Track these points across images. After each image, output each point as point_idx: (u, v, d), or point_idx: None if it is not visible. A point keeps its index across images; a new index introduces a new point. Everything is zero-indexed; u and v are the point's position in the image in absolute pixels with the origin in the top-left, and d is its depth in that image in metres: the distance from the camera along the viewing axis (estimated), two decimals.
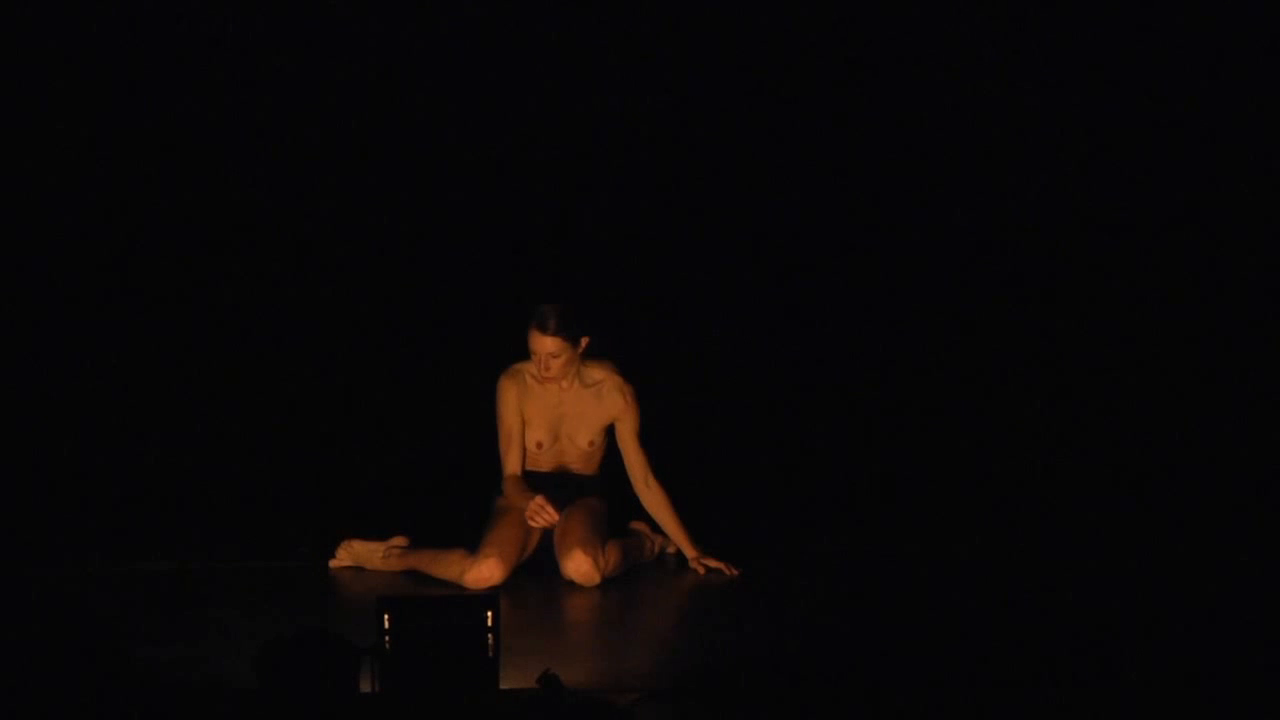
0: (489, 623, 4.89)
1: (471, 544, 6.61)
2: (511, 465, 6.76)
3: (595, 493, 6.82)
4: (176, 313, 7.72)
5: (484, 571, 6.52)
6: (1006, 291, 7.93)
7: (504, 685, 4.95)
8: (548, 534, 6.73)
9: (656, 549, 6.96)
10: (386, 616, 4.86)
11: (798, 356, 7.96)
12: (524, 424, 6.76)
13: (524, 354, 6.70)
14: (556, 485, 6.77)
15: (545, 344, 6.64)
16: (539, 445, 6.77)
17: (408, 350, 7.85)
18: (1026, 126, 7.83)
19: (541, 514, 6.54)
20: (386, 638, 4.84)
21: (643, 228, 7.90)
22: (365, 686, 4.85)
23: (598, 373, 6.78)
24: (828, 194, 7.91)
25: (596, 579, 6.58)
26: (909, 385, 7.94)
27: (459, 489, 7.22)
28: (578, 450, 6.80)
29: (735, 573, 6.72)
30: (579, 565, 6.57)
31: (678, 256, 7.94)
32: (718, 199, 7.92)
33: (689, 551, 6.78)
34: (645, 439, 6.79)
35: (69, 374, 7.63)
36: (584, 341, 6.69)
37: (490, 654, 4.89)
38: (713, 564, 6.74)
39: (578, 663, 5.45)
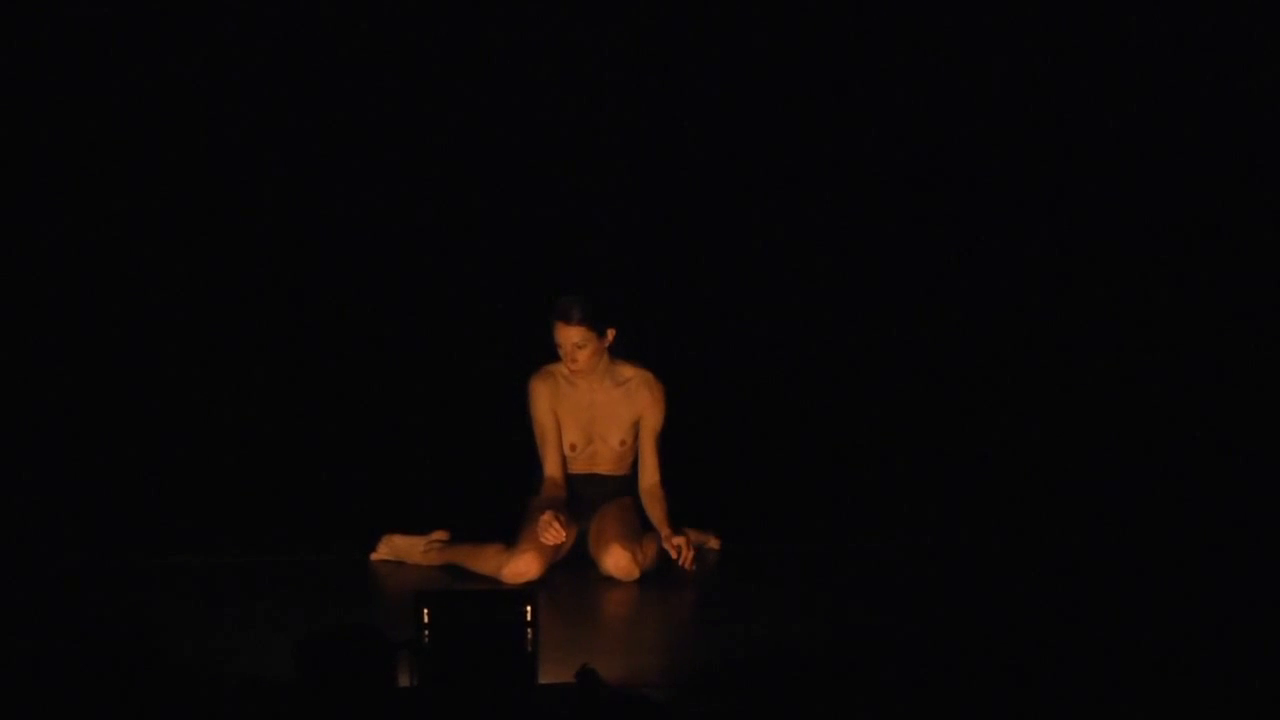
0: (528, 617, 4.88)
1: (510, 539, 6.60)
2: (551, 466, 6.74)
3: (623, 492, 6.81)
4: (217, 304, 7.73)
5: (521, 566, 6.51)
6: (1008, 289, 7.89)
7: (542, 680, 4.94)
8: (584, 531, 6.72)
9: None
10: (425, 611, 4.85)
11: (804, 354, 7.94)
12: (559, 424, 6.74)
13: (552, 354, 6.68)
14: (589, 489, 6.77)
15: (570, 335, 6.61)
16: (572, 448, 6.75)
17: (451, 344, 7.84)
18: (1025, 125, 7.80)
19: (549, 531, 6.50)
20: (425, 632, 4.83)
21: (641, 226, 7.89)
22: (403, 681, 4.84)
23: (628, 370, 6.77)
24: (826, 193, 7.88)
25: (636, 574, 6.57)
26: (914, 383, 7.91)
27: (499, 484, 7.21)
28: (610, 450, 6.78)
29: (688, 556, 6.59)
30: (618, 561, 6.56)
31: (678, 256, 7.91)
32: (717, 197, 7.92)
33: (664, 533, 6.64)
34: (662, 444, 6.76)
35: (106, 367, 7.64)
36: (610, 333, 6.66)
37: (529, 648, 4.88)
38: (677, 540, 6.57)
39: (616, 657, 5.44)
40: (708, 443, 7.67)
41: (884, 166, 7.84)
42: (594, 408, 6.75)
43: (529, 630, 4.87)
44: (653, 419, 6.76)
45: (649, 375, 6.77)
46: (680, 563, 6.57)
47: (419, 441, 7.72)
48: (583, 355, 6.63)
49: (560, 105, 7.79)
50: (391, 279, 7.81)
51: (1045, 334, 7.87)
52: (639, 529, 6.68)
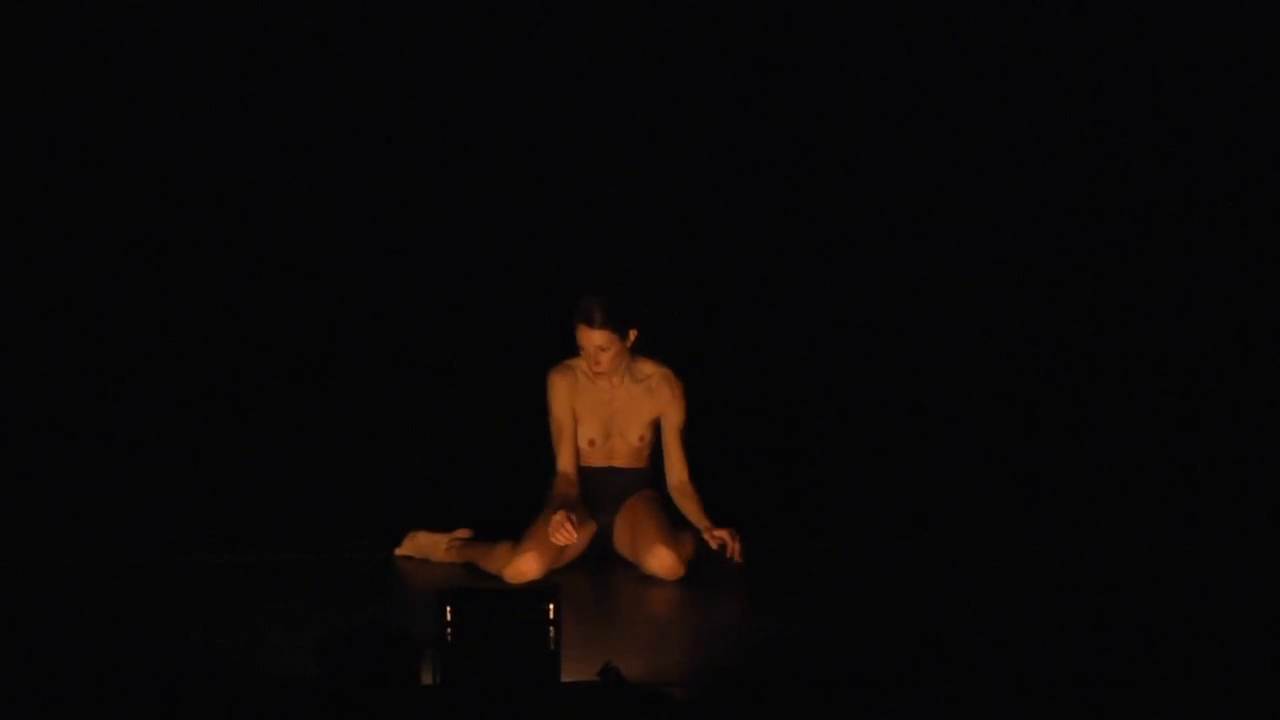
0: (550, 615, 4.88)
1: (519, 537, 6.60)
2: (564, 462, 6.74)
3: (643, 484, 6.80)
4: (244, 302, 7.74)
5: (521, 566, 6.49)
6: (1011, 287, 7.88)
7: (565, 678, 4.94)
8: (607, 527, 6.72)
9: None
10: (448, 609, 4.85)
11: (837, 350, 7.93)
12: (575, 420, 6.74)
13: (573, 350, 6.68)
14: (607, 481, 6.76)
15: (594, 338, 6.61)
16: (591, 443, 6.75)
17: (474, 341, 7.84)
18: (1024, 125, 7.79)
19: (560, 531, 6.47)
20: (448, 630, 4.83)
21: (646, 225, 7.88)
22: (426, 679, 4.84)
23: (648, 367, 6.76)
24: (830, 190, 7.87)
25: (681, 571, 6.55)
26: (941, 380, 7.90)
27: (521, 481, 7.21)
28: (628, 446, 6.77)
29: (735, 546, 6.53)
30: (663, 560, 6.54)
31: (694, 254, 7.91)
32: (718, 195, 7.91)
33: (704, 527, 6.60)
34: (686, 439, 6.75)
35: (130, 365, 7.65)
36: (633, 334, 6.66)
37: (551, 647, 4.88)
38: (720, 534, 6.53)
39: (639, 656, 5.43)
40: (732, 440, 7.67)
41: (927, 159, 7.83)
42: (614, 404, 6.74)
43: (552, 628, 4.87)
44: (675, 415, 6.75)
45: (668, 372, 6.76)
46: (729, 555, 6.52)
47: (443, 439, 7.73)
48: (606, 358, 6.63)
49: (571, 100, 7.79)
50: (417, 276, 7.82)
51: (1075, 330, 7.86)
52: (675, 525, 6.66)
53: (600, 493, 6.76)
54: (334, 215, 7.76)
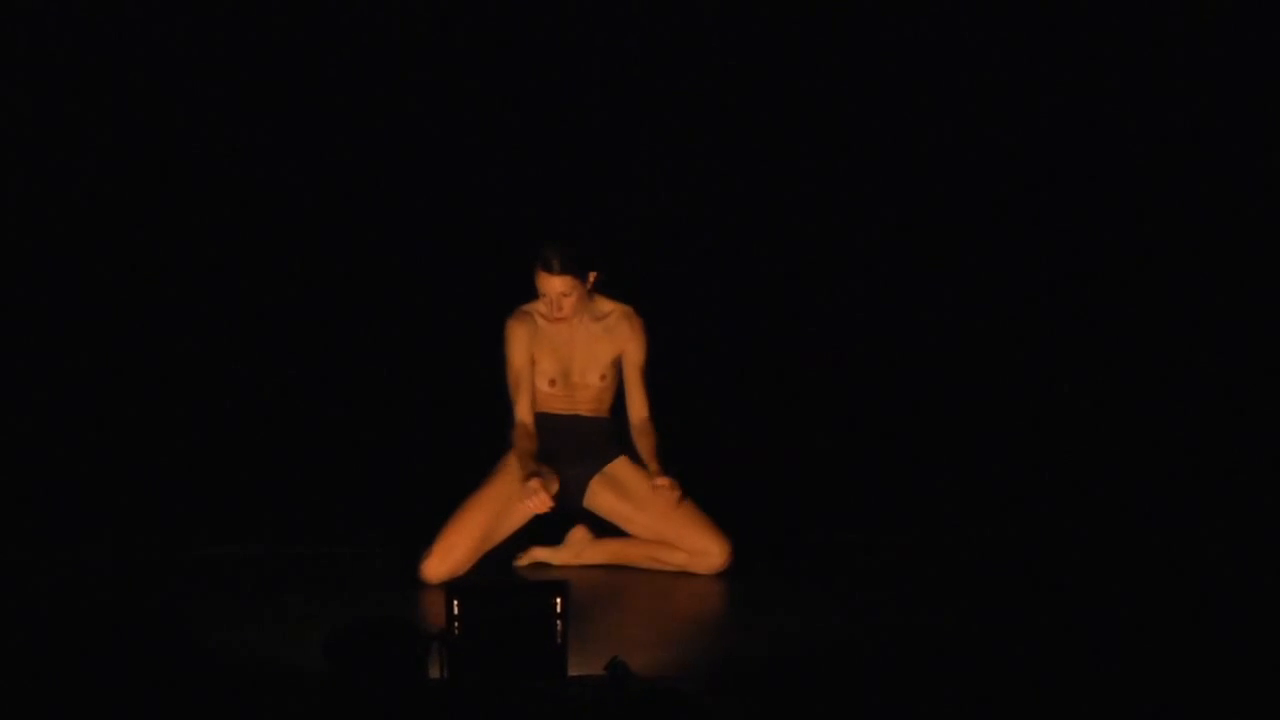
0: (558, 609, 4.88)
1: (551, 533, 6.56)
2: (521, 411, 6.62)
3: (606, 435, 6.69)
4: (245, 296, 7.74)
5: (427, 570, 6.46)
6: (1013, 284, 7.88)
7: (572, 672, 4.94)
8: (568, 482, 6.64)
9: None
10: (455, 603, 4.86)
11: (848, 343, 7.92)
12: (533, 365, 6.65)
13: (529, 295, 6.62)
14: (570, 431, 6.66)
15: (554, 284, 6.52)
16: (551, 383, 6.65)
17: (479, 335, 7.84)
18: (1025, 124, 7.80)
19: (535, 499, 6.37)
20: (455, 624, 4.84)
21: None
22: (434, 673, 4.85)
23: (606, 305, 6.67)
24: (831, 189, 7.88)
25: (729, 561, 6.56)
26: (948, 375, 7.90)
27: None
28: (589, 389, 6.67)
29: (673, 491, 6.47)
30: (722, 553, 6.53)
31: (682, 248, 7.90)
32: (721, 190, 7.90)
33: (652, 466, 6.55)
34: (647, 375, 6.68)
35: (138, 359, 7.66)
36: (592, 276, 6.61)
37: (559, 640, 4.89)
38: (662, 481, 6.47)
39: (646, 650, 5.44)
40: (739, 434, 7.67)
41: (941, 153, 7.83)
42: (573, 344, 6.65)
43: (559, 622, 4.88)
44: (635, 352, 6.66)
45: (629, 309, 6.68)
46: (669, 500, 6.47)
47: (454, 433, 7.73)
48: (568, 303, 6.54)
49: (570, 95, 7.79)
50: (423, 272, 7.81)
51: (1083, 326, 7.86)
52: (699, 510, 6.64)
53: (562, 443, 6.65)
54: (342, 208, 7.76)
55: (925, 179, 7.83)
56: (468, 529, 6.51)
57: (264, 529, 7.12)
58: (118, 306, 7.67)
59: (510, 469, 6.57)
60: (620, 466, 6.67)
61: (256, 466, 7.60)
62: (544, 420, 6.68)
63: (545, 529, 6.69)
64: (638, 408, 6.68)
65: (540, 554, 6.76)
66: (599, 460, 6.69)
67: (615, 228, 7.48)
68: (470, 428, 7.62)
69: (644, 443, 6.64)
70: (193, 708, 4.66)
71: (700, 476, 6.70)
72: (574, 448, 6.68)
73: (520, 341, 6.64)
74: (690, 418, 7.05)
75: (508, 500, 6.53)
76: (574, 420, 6.70)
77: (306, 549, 6.94)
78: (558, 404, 6.70)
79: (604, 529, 6.72)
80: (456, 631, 4.84)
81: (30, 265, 7.61)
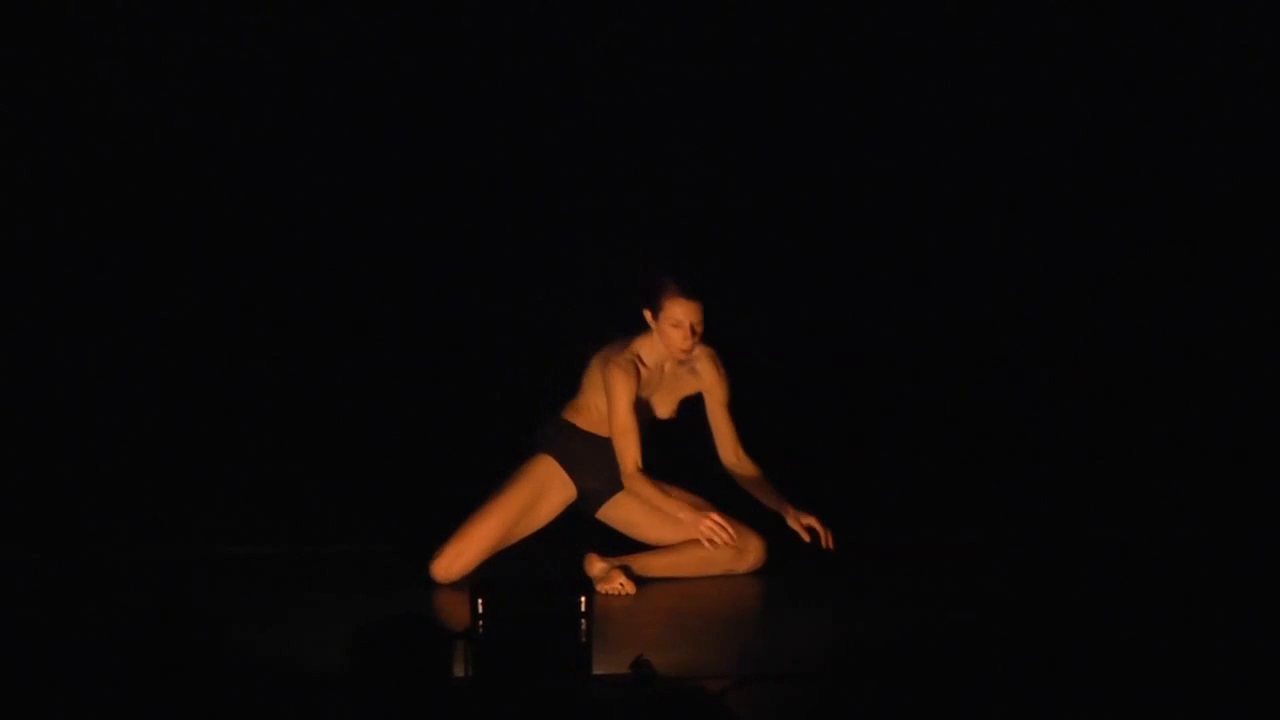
0: (582, 608, 4.88)
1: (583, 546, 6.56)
2: (636, 457, 6.43)
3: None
4: (265, 292, 7.74)
5: (437, 570, 6.44)
6: (1020, 287, 7.86)
7: (596, 670, 4.94)
8: (586, 495, 6.59)
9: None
10: (479, 601, 4.85)
11: (877, 344, 7.91)
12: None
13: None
14: (604, 450, 6.53)
15: (696, 311, 6.33)
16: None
17: (500, 337, 7.84)
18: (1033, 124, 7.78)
19: (721, 534, 6.31)
20: (479, 623, 4.83)
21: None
22: (458, 671, 4.85)
23: None
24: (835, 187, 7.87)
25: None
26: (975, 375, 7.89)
27: None
28: (648, 425, 6.57)
29: (827, 535, 6.43)
30: (760, 546, 6.51)
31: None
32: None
33: (787, 511, 6.50)
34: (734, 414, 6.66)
35: (158, 354, 7.66)
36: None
37: (583, 639, 4.88)
38: (808, 520, 6.44)
39: (670, 649, 5.43)
40: (764, 433, 7.66)
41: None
42: (661, 386, 6.57)
43: (583, 621, 4.88)
44: (722, 391, 6.57)
45: (711, 350, 6.56)
46: (823, 545, 6.41)
47: (476, 432, 7.72)
48: (699, 333, 6.39)
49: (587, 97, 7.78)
50: (438, 272, 7.81)
51: (1057, 325, 7.84)
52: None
53: (594, 458, 6.57)
54: (369, 212, 7.76)
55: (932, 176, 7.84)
56: (482, 533, 6.49)
57: (288, 528, 7.12)
58: (135, 299, 7.67)
59: (532, 476, 6.54)
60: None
61: (279, 464, 7.60)
62: (581, 435, 6.60)
63: (556, 535, 6.68)
64: (731, 442, 6.59)
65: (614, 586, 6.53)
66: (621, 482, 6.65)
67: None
68: (493, 426, 7.62)
69: (757, 480, 6.55)
70: (217, 709, 4.66)
71: (724, 476, 6.70)
72: (604, 466, 6.57)
73: (631, 392, 6.41)
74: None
75: (525, 507, 6.51)
76: (611, 445, 6.55)
77: (331, 547, 6.94)
78: (604, 428, 6.57)
79: (608, 548, 6.66)
80: (481, 630, 4.84)
81: (50, 256, 7.62)
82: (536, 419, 6.73)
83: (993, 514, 7.35)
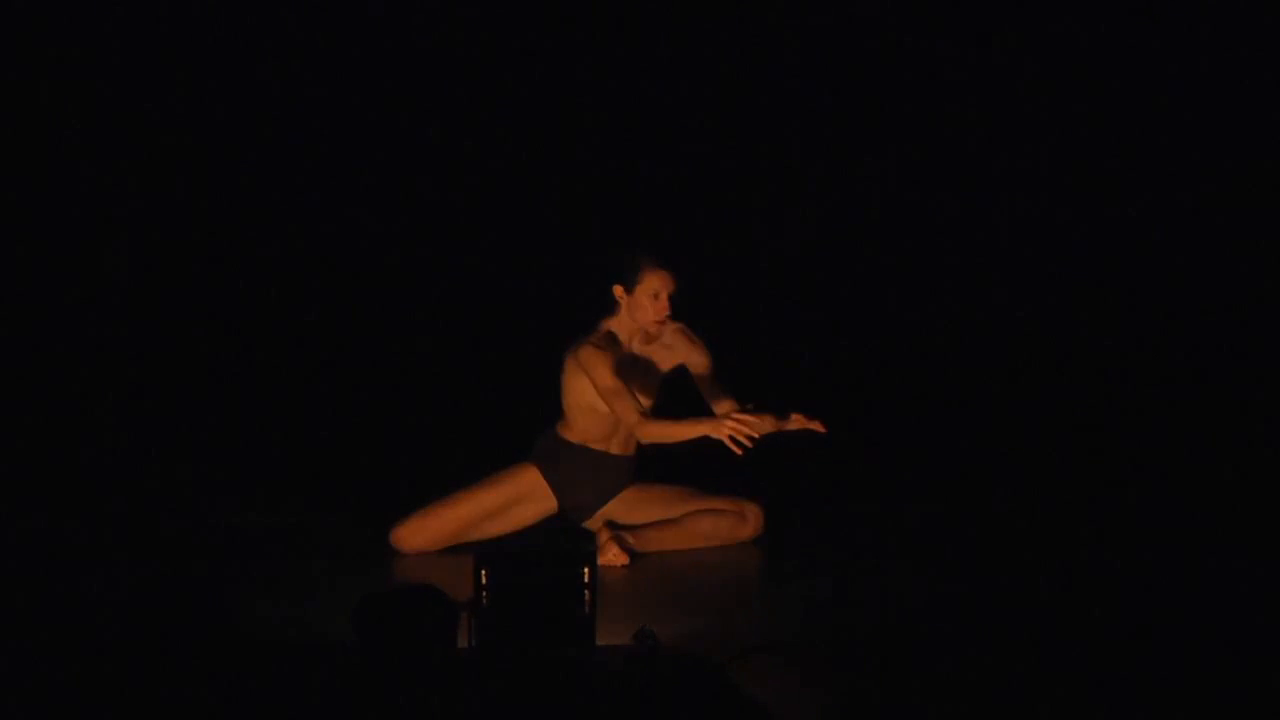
0: (586, 579, 4.90)
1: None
2: (634, 408, 6.25)
3: (629, 474, 6.58)
4: (286, 271, 7.77)
5: (398, 537, 6.40)
6: (1016, 275, 7.89)
7: (600, 641, 4.96)
8: (569, 512, 6.59)
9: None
10: (484, 573, 4.87)
11: (880, 321, 7.94)
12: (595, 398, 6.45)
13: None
14: (599, 467, 6.52)
15: (672, 281, 6.34)
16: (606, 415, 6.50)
17: (505, 315, 7.86)
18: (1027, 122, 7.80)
19: (746, 431, 5.94)
20: (484, 593, 4.85)
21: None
22: (463, 642, 4.87)
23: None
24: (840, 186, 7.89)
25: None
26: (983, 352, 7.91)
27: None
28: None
29: (816, 422, 6.31)
30: (758, 511, 6.55)
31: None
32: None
33: (784, 423, 6.34)
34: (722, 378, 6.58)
35: (182, 338, 7.69)
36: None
37: (587, 610, 4.90)
38: (796, 418, 6.31)
39: (673, 620, 5.45)
40: (764, 405, 7.69)
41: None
42: (635, 367, 6.50)
43: (587, 592, 4.90)
44: (701, 355, 6.52)
45: (680, 324, 6.51)
46: (815, 428, 6.28)
47: (482, 405, 7.75)
48: (674, 303, 6.37)
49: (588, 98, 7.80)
50: (452, 257, 7.84)
51: (1084, 316, 7.87)
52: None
53: (582, 475, 6.54)
54: (395, 207, 7.79)
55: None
56: (447, 518, 6.44)
57: (295, 500, 7.14)
58: (149, 282, 7.70)
59: (514, 482, 6.52)
60: (628, 491, 6.63)
61: (288, 437, 7.63)
62: (570, 449, 6.54)
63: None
64: (728, 405, 6.44)
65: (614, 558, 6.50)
66: (611, 493, 6.61)
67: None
68: (501, 405, 7.65)
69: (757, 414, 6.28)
70: (225, 678, 4.68)
71: (725, 446, 6.71)
72: (590, 479, 6.53)
73: (608, 362, 6.31)
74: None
75: (497, 509, 6.47)
76: (604, 458, 6.54)
77: (337, 519, 6.96)
78: (598, 441, 6.54)
79: None
80: (485, 601, 4.86)
81: (59, 237, 7.65)
82: (536, 428, 6.73)
83: (994, 486, 7.38)
